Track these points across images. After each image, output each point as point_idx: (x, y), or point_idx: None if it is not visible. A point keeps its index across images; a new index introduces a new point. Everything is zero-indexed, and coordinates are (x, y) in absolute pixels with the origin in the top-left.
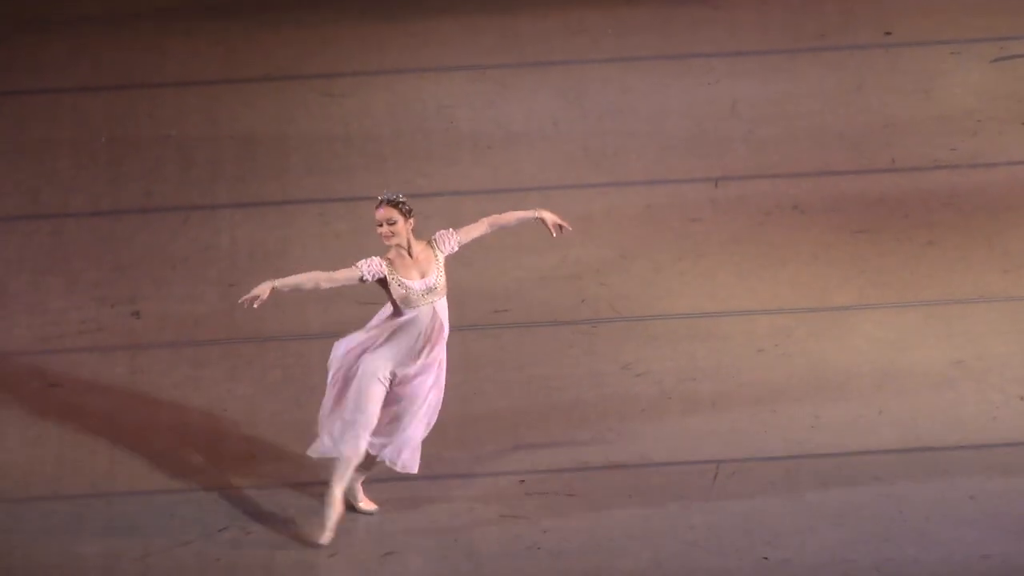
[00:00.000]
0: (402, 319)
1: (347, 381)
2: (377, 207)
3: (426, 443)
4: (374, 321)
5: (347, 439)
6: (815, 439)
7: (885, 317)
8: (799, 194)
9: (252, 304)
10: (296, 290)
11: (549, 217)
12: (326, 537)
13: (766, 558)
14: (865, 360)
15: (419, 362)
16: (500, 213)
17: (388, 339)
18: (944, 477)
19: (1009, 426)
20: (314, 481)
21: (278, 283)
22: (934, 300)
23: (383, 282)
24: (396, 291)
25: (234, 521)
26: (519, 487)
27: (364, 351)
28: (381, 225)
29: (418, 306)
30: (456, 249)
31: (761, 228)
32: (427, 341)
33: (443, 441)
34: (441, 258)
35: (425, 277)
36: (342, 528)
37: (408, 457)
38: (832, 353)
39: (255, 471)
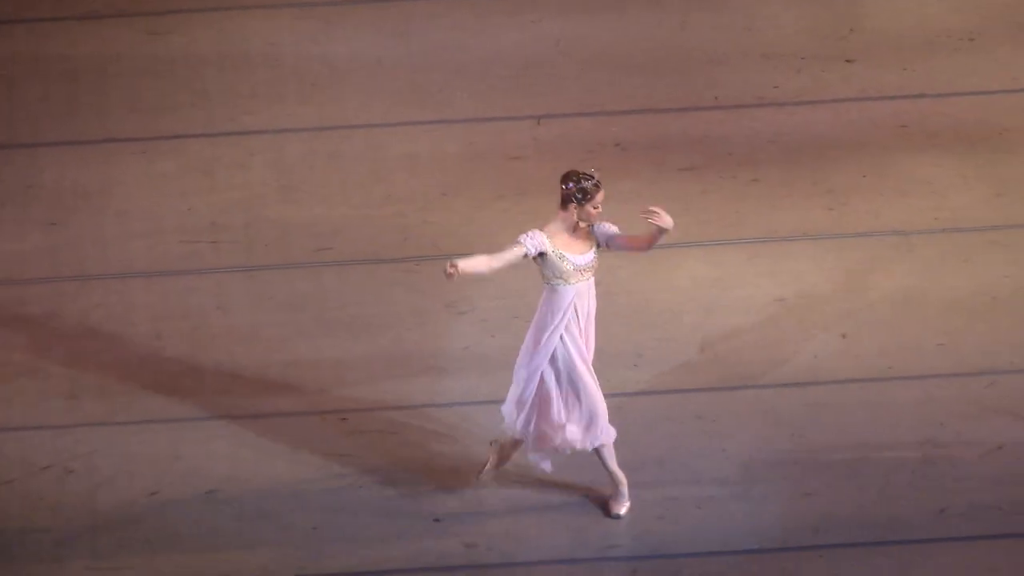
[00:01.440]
0: (562, 300)
1: (564, 381)
2: (596, 190)
3: (246, 384)
4: (541, 322)
5: (603, 426)
6: (638, 377)
7: (708, 255)
8: (621, 132)
9: (455, 278)
10: (476, 274)
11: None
12: (625, 507)
13: (586, 496)
14: (688, 298)
15: (579, 346)
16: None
17: (565, 322)
18: (767, 415)
19: (831, 364)
20: (139, 420)
21: (461, 265)
22: (757, 238)
23: (542, 256)
24: (558, 266)
25: (57, 459)
26: (342, 425)
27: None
28: (598, 208)
29: (573, 282)
30: (605, 244)
31: (583, 166)
32: (586, 317)
33: (265, 381)
34: (595, 242)
35: (584, 254)
36: (165, 470)
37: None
38: (655, 291)
39: (78, 408)
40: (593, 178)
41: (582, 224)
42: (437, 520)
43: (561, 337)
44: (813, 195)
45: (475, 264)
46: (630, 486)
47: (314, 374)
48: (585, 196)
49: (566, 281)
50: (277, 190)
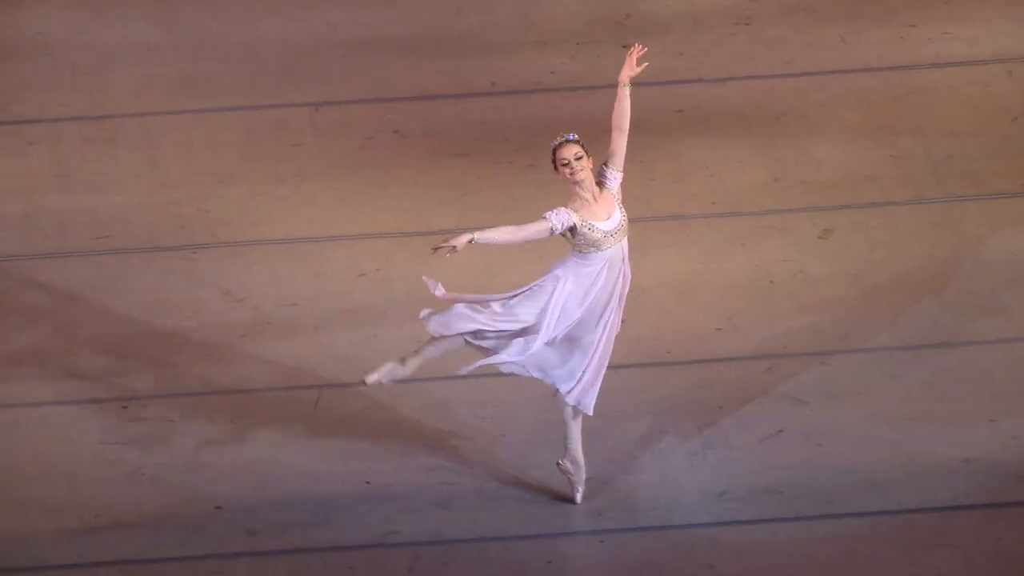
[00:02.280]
0: (593, 267)
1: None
2: (558, 147)
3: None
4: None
5: (592, 396)
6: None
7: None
8: (399, 118)
9: (446, 253)
10: (489, 243)
11: (634, 54)
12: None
13: (368, 482)
14: (465, 284)
15: (612, 304)
16: (614, 110)
17: (584, 288)
18: (548, 401)
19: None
20: None
21: (477, 236)
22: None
23: (572, 230)
24: (589, 237)
25: None
26: (121, 413)
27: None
28: (567, 164)
29: (609, 248)
30: (620, 177)
31: (361, 153)
32: (619, 279)
33: (43, 368)
34: (616, 194)
35: (611, 217)
36: None
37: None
38: (433, 276)
39: None
40: (561, 138)
41: (577, 187)
42: (218, 507)
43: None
44: None
45: (494, 234)
46: (412, 463)
47: (93, 362)
48: (553, 160)
49: (599, 249)
50: (54, 179)
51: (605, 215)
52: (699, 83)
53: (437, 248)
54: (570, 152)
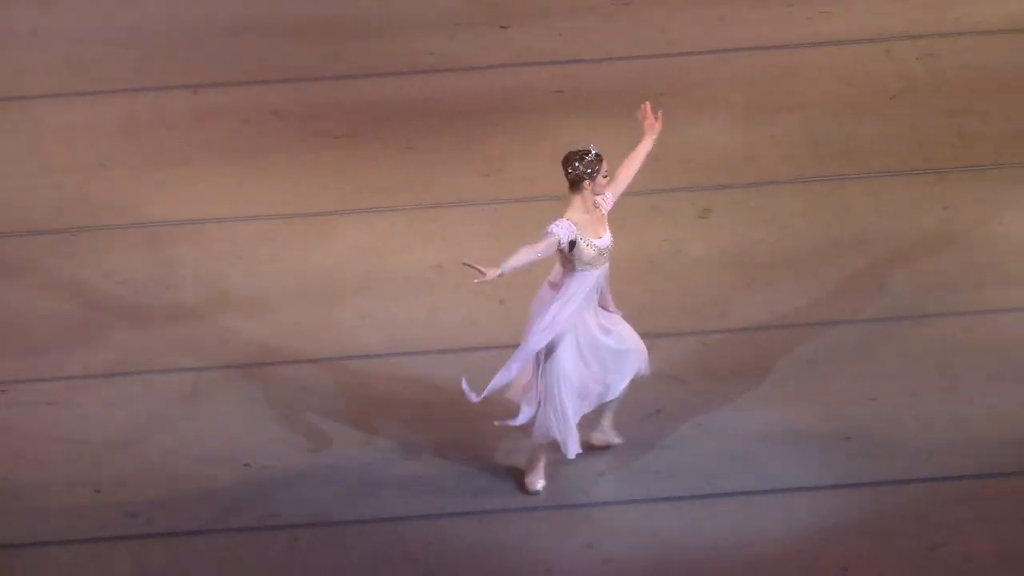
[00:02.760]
0: (583, 284)
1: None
2: (599, 161)
3: None
4: (551, 301)
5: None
6: (296, 344)
7: (365, 222)
8: (278, 100)
9: (475, 279)
10: (516, 270)
11: (657, 127)
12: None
13: (247, 464)
14: (346, 265)
15: (598, 319)
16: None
17: (580, 303)
18: (426, 380)
19: (489, 330)
20: None
21: (505, 268)
22: (414, 204)
23: (571, 244)
24: (586, 253)
25: None
26: (1, 397)
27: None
28: (607, 176)
29: (597, 266)
30: (613, 202)
31: (240, 135)
32: (601, 297)
33: None
34: (605, 215)
35: (604, 236)
36: None
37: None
38: (314, 259)
39: None
40: (591, 151)
41: (597, 198)
42: (97, 491)
43: (583, 317)
44: (469, 161)
45: (516, 261)
46: (291, 446)
47: None
48: (595, 170)
49: (592, 266)
50: None
51: (599, 233)
52: (578, 63)
53: (476, 276)
54: (606, 167)
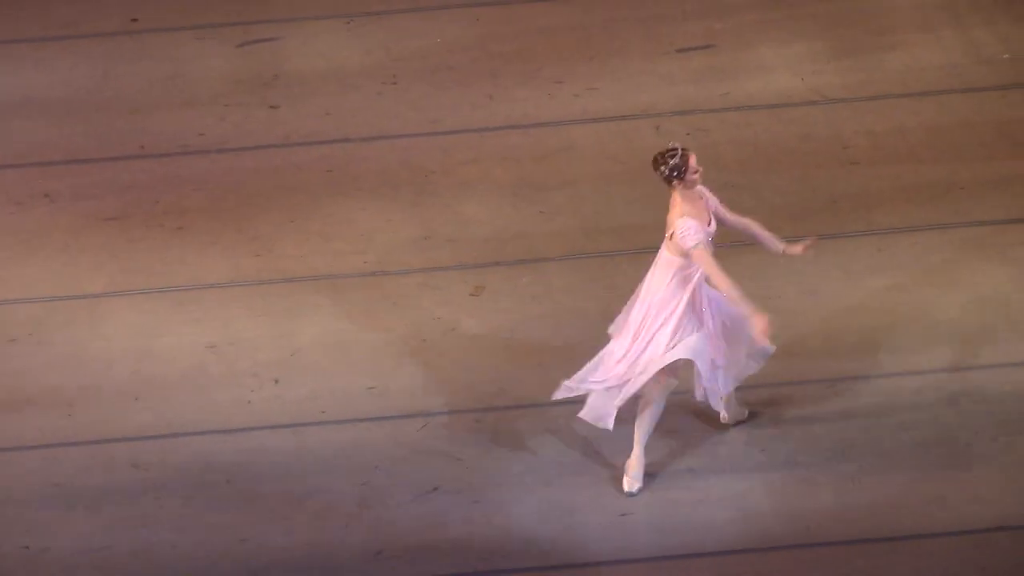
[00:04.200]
0: (696, 270)
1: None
2: (686, 159)
3: None
4: (680, 296)
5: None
6: (72, 427)
7: (138, 303)
8: (49, 183)
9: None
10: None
11: (791, 249)
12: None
13: (27, 547)
14: (119, 347)
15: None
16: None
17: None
18: (202, 461)
19: (263, 409)
20: None
21: (730, 291)
22: (186, 285)
23: None
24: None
25: None
26: None
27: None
28: (697, 170)
29: (710, 251)
30: (716, 201)
31: (12, 218)
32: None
33: None
34: (709, 206)
35: (710, 223)
36: None
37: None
38: (86, 341)
39: None
40: (677, 149)
41: (700, 188)
42: None
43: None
44: (240, 241)
45: (723, 282)
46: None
47: None
48: (683, 167)
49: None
50: None
51: (707, 220)
52: (347, 142)
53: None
54: (695, 159)
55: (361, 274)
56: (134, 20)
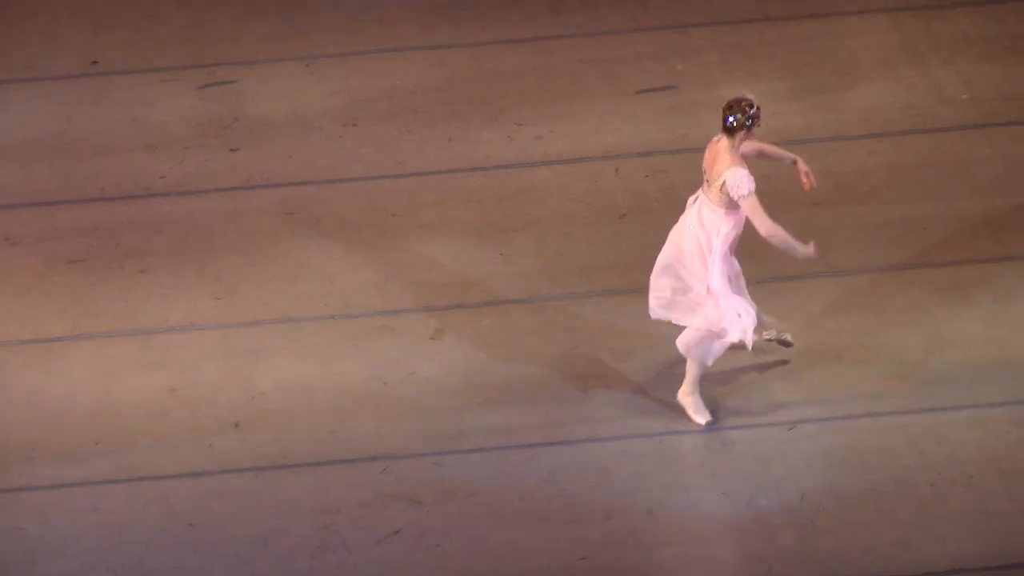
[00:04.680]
0: (741, 216)
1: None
2: (758, 116)
3: None
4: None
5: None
6: (32, 470)
7: (100, 346)
8: (11, 226)
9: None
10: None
11: (803, 165)
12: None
13: None
14: (81, 390)
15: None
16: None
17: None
18: (163, 504)
19: (224, 452)
20: None
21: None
22: (147, 329)
23: None
24: None
25: None
26: None
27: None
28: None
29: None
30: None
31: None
32: None
33: None
34: (724, 179)
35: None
36: None
37: None
38: (49, 384)
39: None
40: (752, 100)
41: (739, 144)
42: None
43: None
44: (201, 284)
45: (772, 228)
46: None
47: None
48: (759, 118)
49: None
50: None
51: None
52: (309, 185)
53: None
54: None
55: (323, 317)
56: (94, 62)
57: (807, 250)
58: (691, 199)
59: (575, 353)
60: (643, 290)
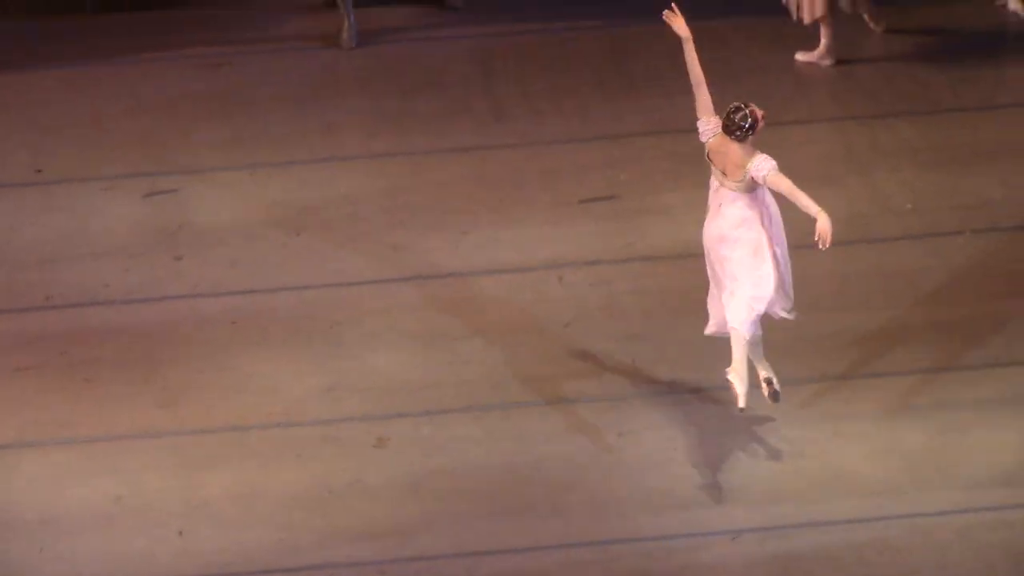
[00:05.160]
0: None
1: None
2: (754, 110)
3: None
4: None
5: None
6: None
7: (47, 454)
8: None
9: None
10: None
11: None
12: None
13: None
14: (26, 499)
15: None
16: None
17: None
18: None
19: (168, 562)
20: None
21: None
22: (93, 437)
23: None
24: None
25: None
26: None
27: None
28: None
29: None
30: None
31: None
32: None
33: None
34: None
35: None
36: None
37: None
38: None
39: None
40: (742, 108)
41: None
42: None
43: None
44: (146, 393)
45: (800, 195)
46: None
47: None
48: (755, 122)
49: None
50: None
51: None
52: (253, 293)
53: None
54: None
55: (268, 425)
56: (39, 171)
57: (822, 219)
58: (714, 203)
59: (517, 462)
60: (587, 399)
